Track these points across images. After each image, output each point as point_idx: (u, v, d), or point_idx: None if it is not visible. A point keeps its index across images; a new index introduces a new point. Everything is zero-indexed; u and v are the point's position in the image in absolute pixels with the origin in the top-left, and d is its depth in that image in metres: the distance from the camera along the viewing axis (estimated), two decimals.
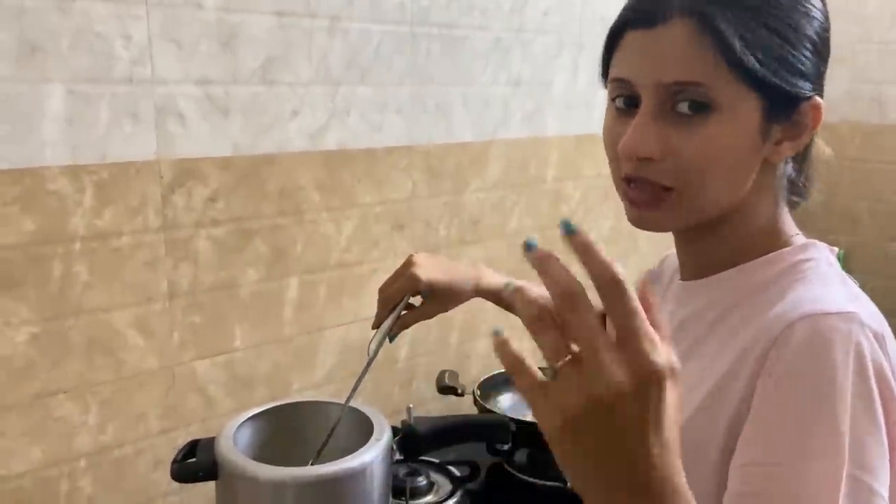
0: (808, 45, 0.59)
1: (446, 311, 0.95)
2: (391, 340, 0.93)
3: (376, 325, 0.93)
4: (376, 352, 0.91)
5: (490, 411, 1.23)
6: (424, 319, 0.94)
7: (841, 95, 2.02)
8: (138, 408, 1.06)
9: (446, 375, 1.26)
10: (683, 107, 0.58)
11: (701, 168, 0.58)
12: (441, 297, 0.92)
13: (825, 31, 0.61)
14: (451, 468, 1.20)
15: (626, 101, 0.61)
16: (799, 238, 0.65)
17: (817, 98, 0.60)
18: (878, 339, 0.55)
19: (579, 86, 1.60)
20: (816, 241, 0.64)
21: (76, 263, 0.97)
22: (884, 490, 0.52)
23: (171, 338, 1.07)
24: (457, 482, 1.17)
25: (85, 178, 0.96)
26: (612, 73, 0.62)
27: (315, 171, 1.20)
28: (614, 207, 1.74)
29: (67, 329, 0.98)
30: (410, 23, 1.28)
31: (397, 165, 1.31)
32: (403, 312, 0.93)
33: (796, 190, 0.67)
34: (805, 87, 0.60)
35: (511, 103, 1.48)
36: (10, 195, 0.91)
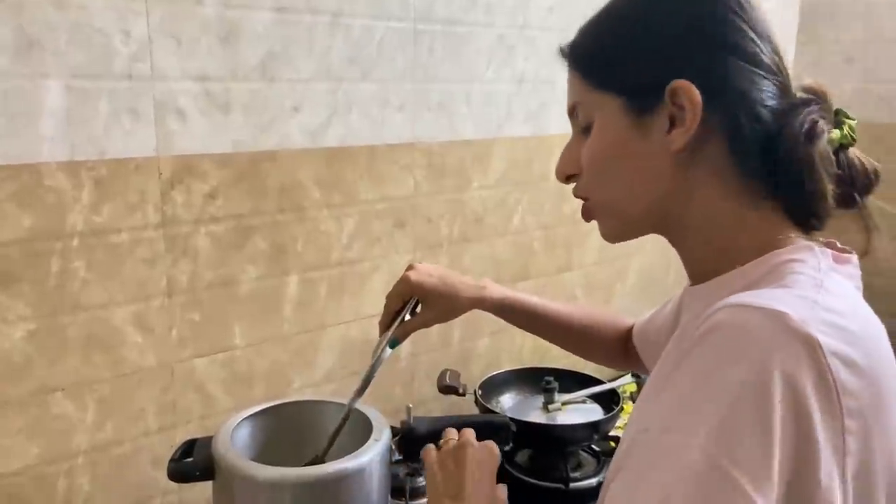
0: (654, 35, 0.60)
1: (445, 321, 0.95)
2: (392, 347, 0.93)
3: (381, 332, 0.95)
4: (378, 358, 0.91)
5: (491, 411, 1.22)
6: (423, 327, 0.94)
7: (850, 95, 2.00)
8: (137, 405, 1.05)
9: (447, 375, 1.25)
10: (578, 127, 0.66)
11: (592, 174, 0.65)
12: (438, 307, 0.93)
13: (691, 15, 0.60)
14: None
15: None
16: (798, 239, 0.60)
17: (679, 81, 0.58)
18: (812, 346, 0.49)
19: None
20: (815, 245, 0.60)
21: (74, 260, 0.97)
22: (758, 497, 0.47)
23: (170, 335, 1.07)
24: None
25: (83, 174, 0.96)
26: None
27: (316, 167, 1.19)
28: None
29: (65, 326, 0.97)
30: (413, 19, 1.27)
31: (399, 162, 1.30)
32: (408, 318, 0.93)
33: (786, 191, 0.61)
34: (657, 73, 0.59)
35: (514, 101, 1.46)
36: (7, 191, 0.90)
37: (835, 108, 0.62)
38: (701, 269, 0.65)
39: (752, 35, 0.59)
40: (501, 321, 1.53)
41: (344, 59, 1.19)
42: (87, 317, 0.99)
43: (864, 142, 2.00)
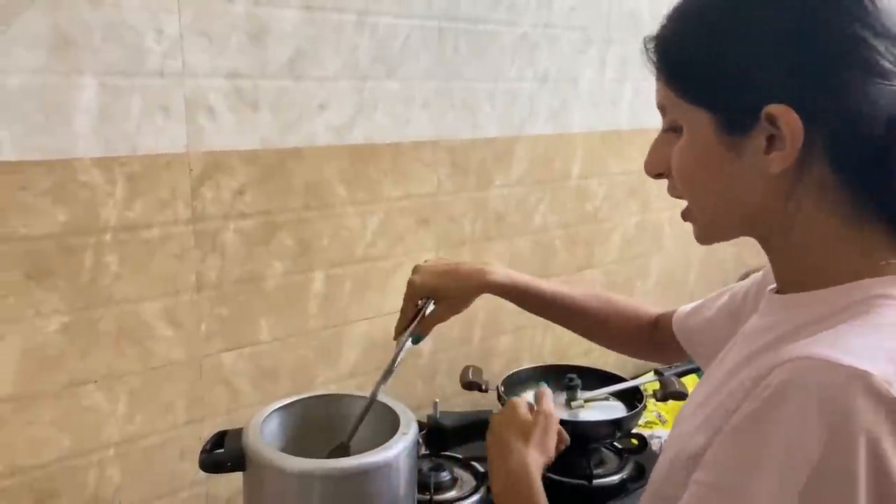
0: (750, 52, 0.55)
1: (458, 311, 0.97)
2: (415, 343, 0.95)
3: (395, 335, 0.97)
4: (401, 348, 0.93)
5: None
6: (438, 322, 0.96)
7: None
8: (166, 398, 1.07)
9: (470, 371, 1.26)
10: (668, 127, 0.64)
11: (681, 181, 0.63)
12: (447, 300, 0.95)
13: (794, 29, 0.54)
14: (475, 464, 1.20)
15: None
16: (882, 266, 0.56)
17: (776, 106, 0.53)
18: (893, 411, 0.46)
19: (606, 82, 1.59)
20: None
21: (107, 254, 0.98)
22: None
23: (199, 329, 1.08)
24: (480, 478, 1.17)
25: (116, 169, 0.97)
26: None
27: (341, 165, 1.20)
28: (639, 204, 1.73)
29: (97, 319, 0.99)
30: (438, 17, 1.28)
31: (423, 160, 1.31)
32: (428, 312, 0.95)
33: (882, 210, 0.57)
34: (753, 96, 0.55)
35: (537, 99, 1.47)
36: (42, 186, 0.92)
37: None
38: (789, 280, 0.62)
39: (873, 40, 0.52)
40: (521, 319, 1.54)
41: (369, 58, 1.20)
42: (119, 311, 1.00)
43: None
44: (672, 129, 0.62)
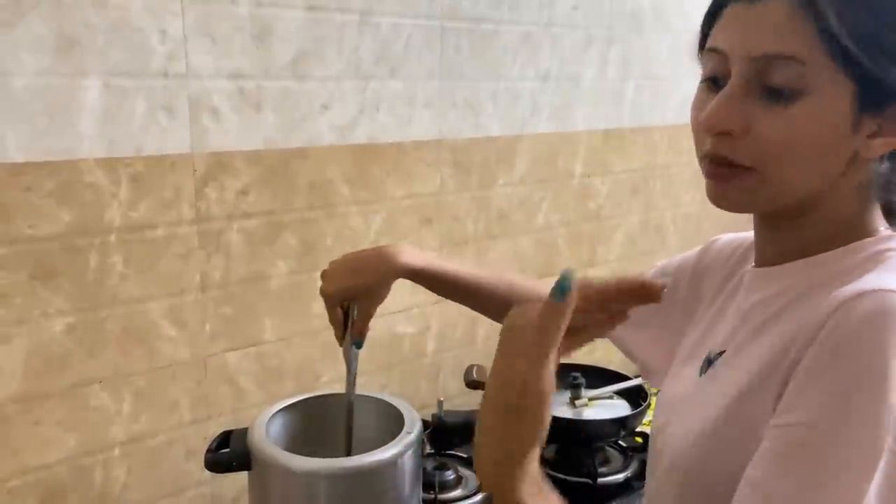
0: None
1: (381, 301, 0.89)
2: (358, 347, 0.91)
3: (339, 344, 0.92)
4: (351, 363, 0.91)
5: None
6: (368, 320, 0.90)
7: None
8: (171, 398, 1.07)
9: (474, 370, 1.26)
10: (772, 82, 0.56)
11: (781, 152, 0.56)
12: (364, 298, 0.88)
13: None
14: None
15: (715, 80, 0.60)
16: (886, 231, 0.60)
17: None
18: None
19: (608, 80, 1.59)
20: None
21: (112, 255, 0.99)
22: None
23: (204, 329, 1.09)
24: None
25: (121, 170, 0.98)
26: (708, 43, 0.60)
27: (344, 164, 1.20)
28: (642, 202, 1.73)
29: (103, 319, 0.99)
30: (440, 17, 1.28)
31: (426, 159, 1.31)
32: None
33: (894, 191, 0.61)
34: None
35: (539, 98, 1.47)
36: (47, 187, 0.92)
37: None
38: (781, 252, 0.63)
39: None
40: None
41: (372, 58, 1.20)
42: (124, 311, 1.01)
43: None
44: (779, 88, 0.55)
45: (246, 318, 1.13)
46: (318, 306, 1.21)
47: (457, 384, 1.33)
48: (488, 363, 1.52)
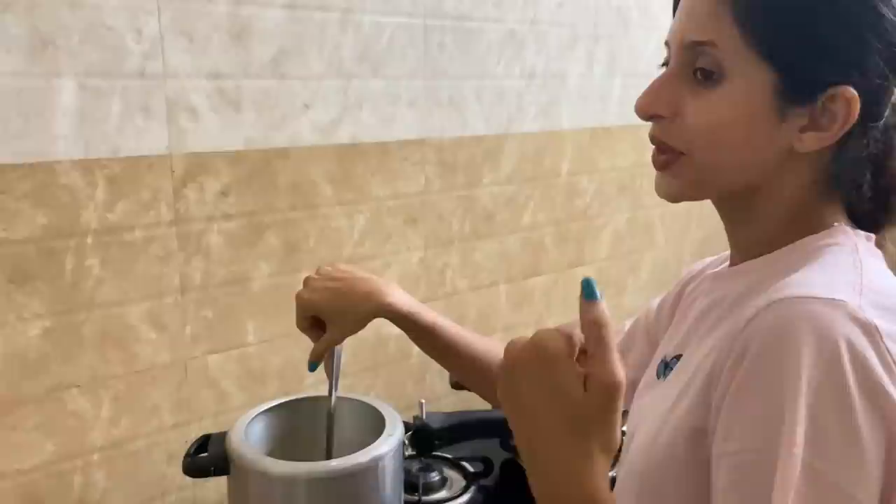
0: (849, 29, 0.54)
1: (351, 333, 0.85)
2: (311, 370, 0.88)
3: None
4: (329, 370, 0.89)
5: None
6: (331, 346, 0.86)
7: None
8: (151, 402, 1.06)
9: None
10: (698, 70, 0.57)
11: (705, 135, 0.58)
12: (336, 323, 0.84)
13: (886, 19, 0.54)
14: (465, 464, 1.19)
15: (665, 65, 0.62)
16: (836, 225, 0.59)
17: (847, 88, 0.54)
18: (872, 332, 0.49)
19: (594, 78, 1.58)
20: (849, 228, 0.58)
21: (88, 257, 0.97)
22: (859, 492, 0.47)
23: (184, 332, 1.07)
24: (470, 478, 1.17)
25: (97, 172, 0.96)
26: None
27: (327, 164, 1.19)
28: (630, 200, 1.72)
29: (80, 323, 0.98)
30: (423, 15, 1.27)
31: (410, 159, 1.30)
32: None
33: (854, 194, 0.60)
34: (830, 71, 0.54)
35: (525, 96, 1.46)
36: (22, 189, 0.91)
37: None
38: (743, 249, 0.63)
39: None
40: (512, 318, 1.53)
41: (354, 56, 1.19)
42: (102, 314, 1.00)
43: None
44: (705, 76, 0.57)
45: (227, 321, 1.12)
46: None
47: (444, 385, 1.32)
48: None
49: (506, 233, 1.49)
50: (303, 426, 1.00)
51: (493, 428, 1.08)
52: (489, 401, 0.96)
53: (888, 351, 0.49)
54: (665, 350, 0.70)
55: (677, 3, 0.61)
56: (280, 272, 1.17)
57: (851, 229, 0.59)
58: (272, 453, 0.89)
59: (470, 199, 1.41)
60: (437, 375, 1.42)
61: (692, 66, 0.57)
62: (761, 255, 0.61)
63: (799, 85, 0.55)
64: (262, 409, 0.96)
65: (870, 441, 0.47)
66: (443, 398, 1.42)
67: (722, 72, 0.56)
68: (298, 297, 0.85)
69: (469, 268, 1.44)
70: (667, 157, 0.60)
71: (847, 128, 0.55)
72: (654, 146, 0.62)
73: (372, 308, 0.83)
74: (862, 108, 0.55)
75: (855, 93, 0.54)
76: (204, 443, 0.90)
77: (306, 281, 0.86)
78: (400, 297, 0.84)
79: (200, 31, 1.02)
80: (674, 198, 0.62)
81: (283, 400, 0.99)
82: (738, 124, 0.57)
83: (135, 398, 1.04)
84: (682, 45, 0.58)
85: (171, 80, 1.01)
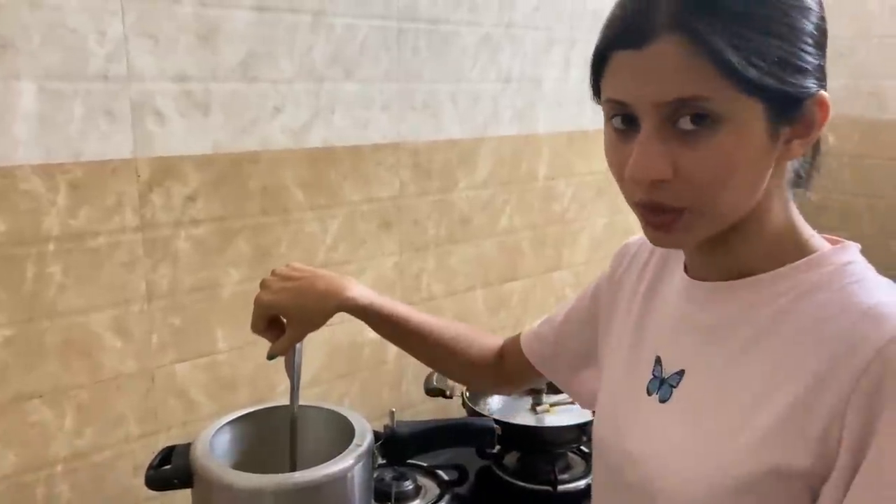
0: (807, 40, 0.56)
1: (313, 330, 0.86)
2: (269, 359, 0.88)
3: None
4: (290, 372, 0.88)
5: (479, 413, 1.20)
6: (293, 343, 0.86)
7: (839, 90, 1.98)
8: (117, 411, 1.04)
9: (434, 377, 1.24)
10: (686, 122, 0.55)
11: (715, 183, 0.56)
12: (297, 320, 0.85)
13: (822, 20, 0.59)
14: (440, 472, 1.18)
15: (624, 121, 0.59)
16: (816, 237, 0.62)
17: (822, 93, 0.57)
18: None
19: (571, 82, 1.57)
20: (849, 243, 0.62)
21: (50, 264, 0.95)
22: None
23: (150, 340, 1.05)
24: (444, 486, 1.15)
25: (59, 177, 0.94)
26: (607, 94, 0.59)
27: (299, 169, 1.17)
28: (607, 204, 1.71)
29: (42, 332, 0.96)
30: (397, 18, 1.26)
31: (384, 163, 1.29)
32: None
33: (799, 182, 0.64)
34: (808, 83, 0.56)
35: (501, 100, 1.45)
36: None
37: None
38: (729, 267, 0.62)
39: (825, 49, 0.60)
40: (491, 322, 1.52)
41: (326, 59, 1.17)
42: (65, 322, 0.97)
43: (854, 137, 2.01)
44: (695, 122, 0.55)
45: (196, 328, 1.10)
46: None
47: (420, 391, 1.31)
48: None
49: (482, 237, 1.47)
50: (272, 436, 0.98)
51: (464, 435, 1.07)
52: (465, 384, 1.01)
53: None
54: (643, 357, 0.67)
55: (603, 58, 0.58)
56: (251, 278, 1.14)
57: (849, 242, 0.62)
58: (239, 465, 0.87)
59: (445, 203, 1.40)
60: (413, 382, 1.40)
61: (673, 120, 0.55)
62: (755, 268, 0.61)
63: (785, 107, 0.56)
64: (228, 419, 0.94)
65: None
66: (419, 404, 1.40)
67: (716, 120, 0.55)
68: (258, 300, 0.85)
69: (445, 273, 1.42)
70: (668, 216, 0.58)
71: (824, 127, 0.58)
72: (642, 209, 0.60)
73: (333, 304, 0.85)
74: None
75: (825, 93, 0.57)
76: (168, 454, 0.88)
77: (264, 283, 0.86)
78: (360, 291, 0.86)
79: (166, 33, 1.00)
80: (685, 247, 0.64)
81: (250, 409, 0.97)
82: (744, 163, 0.56)
83: (100, 408, 1.02)
84: (658, 104, 0.55)
85: (135, 82, 0.98)
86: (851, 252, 0.61)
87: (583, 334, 0.82)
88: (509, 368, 0.90)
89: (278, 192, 1.15)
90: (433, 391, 1.22)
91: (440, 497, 1.13)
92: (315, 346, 1.25)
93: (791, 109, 0.56)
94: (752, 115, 0.55)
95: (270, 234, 1.16)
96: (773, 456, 0.54)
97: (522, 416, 1.24)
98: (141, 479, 1.05)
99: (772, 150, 0.57)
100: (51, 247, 0.95)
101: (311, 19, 1.14)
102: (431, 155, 1.36)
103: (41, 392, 0.97)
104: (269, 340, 0.87)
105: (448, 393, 1.22)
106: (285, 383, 1.22)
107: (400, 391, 1.40)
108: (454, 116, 1.38)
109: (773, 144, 0.57)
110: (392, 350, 1.37)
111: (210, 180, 1.07)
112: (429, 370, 1.27)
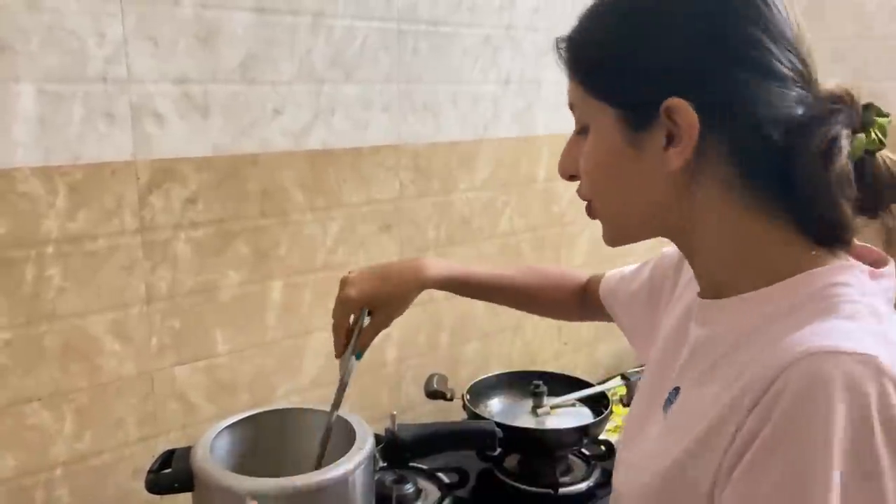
0: (653, 47, 0.56)
1: (399, 314, 0.92)
2: (358, 358, 0.90)
3: (338, 354, 0.90)
4: (346, 375, 0.89)
5: (479, 416, 1.20)
6: (380, 331, 0.91)
7: None
8: (116, 415, 1.03)
9: (435, 380, 1.23)
10: (579, 128, 0.64)
11: (590, 181, 0.63)
12: (387, 308, 0.90)
13: (713, 25, 0.55)
14: (440, 475, 1.18)
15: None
16: (830, 257, 0.56)
17: (672, 100, 0.55)
18: None
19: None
20: (855, 263, 0.56)
21: (49, 267, 0.94)
22: None
23: (150, 343, 1.05)
24: (445, 489, 1.15)
25: (58, 179, 0.93)
26: None
27: (299, 171, 1.17)
28: None
29: (41, 335, 0.95)
30: (397, 19, 1.25)
31: (384, 165, 1.28)
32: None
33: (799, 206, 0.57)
34: (654, 90, 0.56)
35: (501, 101, 1.45)
36: None
37: (866, 103, 0.56)
38: (714, 284, 0.61)
39: (769, 43, 0.54)
40: (489, 324, 1.52)
41: (326, 61, 1.17)
42: (64, 325, 0.97)
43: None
44: (582, 131, 0.63)
45: (195, 331, 1.09)
46: (273, 317, 1.18)
47: (419, 394, 1.30)
48: (451, 370, 1.51)
49: (482, 239, 1.47)
50: (273, 440, 0.97)
51: (466, 439, 1.06)
52: (541, 313, 1.07)
53: None
54: (666, 374, 0.67)
55: None
56: (250, 280, 1.14)
57: (856, 264, 0.56)
58: (240, 468, 0.87)
59: (445, 205, 1.40)
60: (412, 384, 1.40)
61: (575, 125, 0.64)
62: (739, 284, 0.58)
63: (635, 113, 0.58)
64: (228, 423, 0.93)
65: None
66: (418, 406, 1.40)
67: (585, 123, 0.62)
68: (346, 297, 0.88)
69: None
70: (588, 206, 0.66)
71: (694, 133, 0.55)
72: None
73: (416, 282, 0.91)
74: (721, 112, 0.55)
75: (679, 100, 0.55)
76: (168, 458, 0.88)
77: (346, 281, 0.89)
78: (436, 269, 0.92)
79: (166, 35, 0.99)
80: (609, 243, 0.66)
81: (250, 413, 0.97)
82: (605, 165, 0.61)
83: (99, 411, 1.01)
84: (569, 108, 0.65)
85: (135, 84, 0.98)
86: (847, 274, 0.55)
87: (647, 305, 0.85)
88: (591, 303, 0.98)
89: (278, 194, 1.15)
90: (434, 394, 1.22)
91: (441, 500, 1.12)
92: (314, 351, 1.24)
93: (642, 117, 0.57)
94: (605, 121, 0.59)
95: (270, 236, 1.15)
96: (691, 467, 0.55)
97: (523, 419, 1.23)
98: (140, 483, 1.05)
99: (638, 159, 0.58)
100: (50, 249, 0.94)
101: (310, 21, 1.14)
102: (431, 157, 1.35)
103: (40, 395, 0.96)
104: (346, 337, 0.89)
105: (448, 395, 1.22)
106: (285, 386, 1.22)
107: (400, 393, 1.39)
108: (454, 118, 1.38)
109: (637, 154, 0.58)
110: (392, 352, 1.37)
111: (209, 182, 1.07)
112: (429, 373, 1.27)
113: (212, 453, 0.86)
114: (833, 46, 2.00)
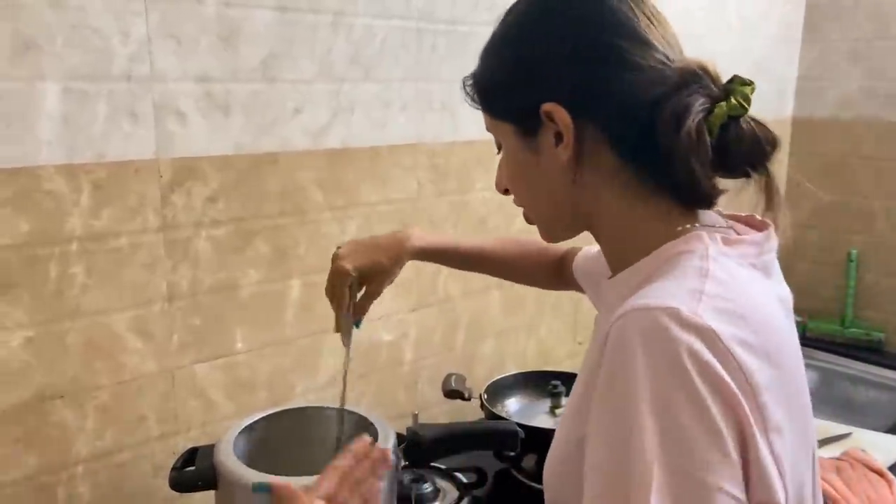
0: (524, 61, 0.64)
1: (390, 283, 0.97)
2: (357, 326, 0.95)
3: (338, 328, 0.95)
4: (348, 344, 0.94)
5: (498, 416, 1.20)
6: (375, 298, 0.96)
7: (855, 92, 1.97)
8: (137, 412, 1.04)
9: (452, 379, 1.23)
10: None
11: (514, 192, 0.71)
12: (377, 276, 0.95)
13: (580, 36, 0.63)
14: (458, 474, 1.18)
15: None
16: (694, 228, 0.62)
17: (548, 104, 0.62)
18: (709, 335, 0.52)
19: None
20: (703, 232, 0.61)
21: (73, 265, 0.95)
22: (729, 485, 0.50)
23: (171, 340, 1.05)
24: (463, 489, 1.15)
25: (82, 177, 0.94)
26: None
27: (318, 170, 1.17)
28: None
29: (64, 332, 0.96)
30: (416, 18, 1.25)
31: (402, 164, 1.28)
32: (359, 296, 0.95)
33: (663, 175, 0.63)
34: (532, 98, 0.63)
35: None
36: (4, 195, 0.89)
37: (732, 76, 0.62)
38: (614, 263, 0.68)
39: (620, 41, 0.61)
40: (504, 323, 1.52)
41: (346, 59, 1.17)
42: (87, 323, 0.97)
43: (871, 139, 2.00)
44: (500, 149, 0.70)
45: (215, 329, 1.10)
46: (292, 315, 1.18)
47: (435, 393, 1.30)
48: (468, 370, 1.51)
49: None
50: (292, 437, 0.98)
51: (487, 439, 1.06)
52: (521, 282, 1.13)
53: (729, 351, 0.52)
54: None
55: None
56: (269, 279, 1.14)
57: (707, 232, 0.61)
58: (261, 466, 0.87)
59: (462, 204, 1.39)
60: (429, 383, 1.40)
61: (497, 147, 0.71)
62: (629, 262, 0.65)
63: (524, 122, 0.65)
64: (250, 421, 0.94)
65: (726, 432, 0.50)
66: (434, 406, 1.40)
67: (499, 142, 0.70)
68: (339, 269, 0.92)
69: (461, 273, 1.41)
70: (524, 213, 0.72)
71: (570, 129, 0.62)
72: None
73: (402, 252, 0.95)
74: (588, 106, 0.62)
75: (550, 104, 0.62)
76: (191, 456, 0.88)
77: (337, 255, 0.94)
78: (421, 237, 0.97)
79: (188, 34, 1.00)
80: (547, 241, 0.73)
81: (271, 411, 0.97)
82: (518, 174, 0.69)
83: (120, 409, 1.02)
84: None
85: (158, 83, 0.98)
86: (693, 242, 0.60)
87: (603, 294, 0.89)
88: (567, 275, 1.02)
89: (297, 193, 1.15)
90: (452, 393, 1.22)
91: (459, 500, 1.12)
92: (332, 349, 1.24)
93: (532, 123, 0.64)
94: (509, 136, 0.67)
95: (288, 235, 1.16)
96: (579, 429, 0.59)
97: (541, 419, 1.23)
98: (160, 480, 1.06)
99: (541, 161, 0.65)
100: (73, 247, 0.95)
101: (331, 20, 1.14)
102: (449, 156, 1.35)
103: (62, 393, 0.97)
104: (343, 304, 0.93)
105: (466, 395, 1.22)
106: (303, 384, 1.22)
107: (416, 393, 1.40)
108: (472, 117, 1.36)
109: (538, 155, 0.65)
110: (408, 352, 1.37)
111: (230, 181, 1.07)
112: (446, 373, 1.27)
113: (234, 451, 0.86)
114: (850, 47, 1.99)
